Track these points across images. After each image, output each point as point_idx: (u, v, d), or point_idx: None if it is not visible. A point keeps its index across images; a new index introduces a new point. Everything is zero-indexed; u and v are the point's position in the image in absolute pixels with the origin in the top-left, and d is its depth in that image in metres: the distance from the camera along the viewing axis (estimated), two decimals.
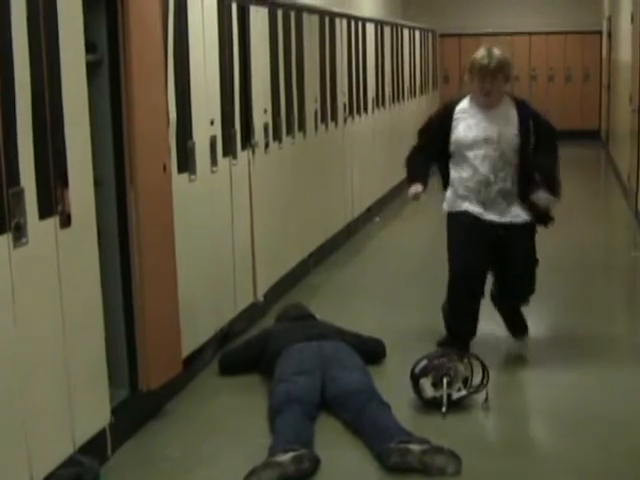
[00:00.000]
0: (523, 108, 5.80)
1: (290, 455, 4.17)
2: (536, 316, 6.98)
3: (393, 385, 5.12)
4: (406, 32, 13.23)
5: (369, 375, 5.07)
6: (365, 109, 10.54)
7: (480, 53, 5.55)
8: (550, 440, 4.71)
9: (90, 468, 4.03)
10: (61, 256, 3.93)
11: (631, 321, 6.92)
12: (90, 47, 4.33)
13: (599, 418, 4.88)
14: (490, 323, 6.21)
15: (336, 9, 9.26)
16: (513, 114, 5.71)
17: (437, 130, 5.77)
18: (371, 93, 10.84)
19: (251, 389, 5.35)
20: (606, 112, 17.55)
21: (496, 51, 5.55)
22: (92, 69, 4.38)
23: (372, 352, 5.63)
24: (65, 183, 3.92)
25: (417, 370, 4.93)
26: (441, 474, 4.17)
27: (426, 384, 4.89)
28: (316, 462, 4.26)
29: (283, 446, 4.26)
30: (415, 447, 4.21)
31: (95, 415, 4.32)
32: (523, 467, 4.34)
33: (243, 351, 5.69)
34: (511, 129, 5.65)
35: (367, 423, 4.59)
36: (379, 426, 4.53)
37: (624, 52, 13.31)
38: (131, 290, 4.68)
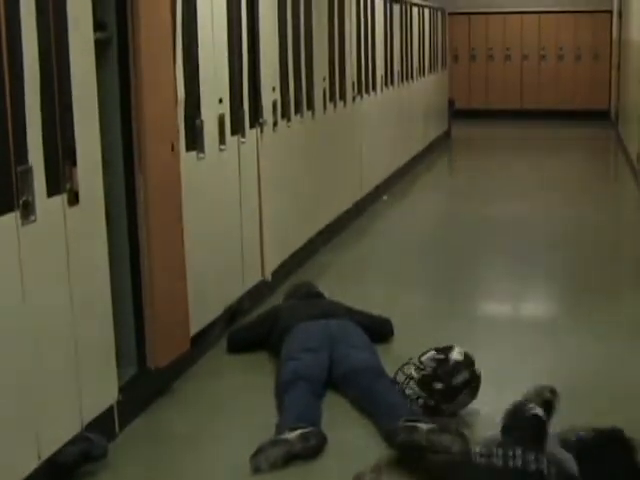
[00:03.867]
0: None
1: (297, 433, 4.19)
2: (539, 295, 7.02)
3: (400, 364, 5.11)
4: (415, 10, 13.18)
5: (376, 354, 5.08)
6: (374, 88, 10.51)
7: None
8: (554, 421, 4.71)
9: (98, 445, 4.05)
10: (69, 234, 3.93)
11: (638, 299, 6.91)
12: (99, 25, 4.32)
13: (598, 389, 4.90)
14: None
15: None
16: None
17: None
18: (380, 72, 10.81)
19: (259, 367, 5.36)
20: (616, 92, 17.50)
21: None
22: (101, 47, 4.38)
23: (380, 331, 5.63)
24: (73, 161, 3.92)
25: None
26: (447, 452, 4.18)
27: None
28: (323, 440, 4.28)
29: (290, 424, 4.28)
30: (422, 426, 4.21)
31: (103, 392, 4.34)
32: None
33: (251, 329, 5.70)
34: None
35: (375, 401, 4.60)
36: (387, 404, 4.54)
37: (635, 31, 13.25)
38: (139, 268, 4.69)
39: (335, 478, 4.11)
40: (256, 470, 4.10)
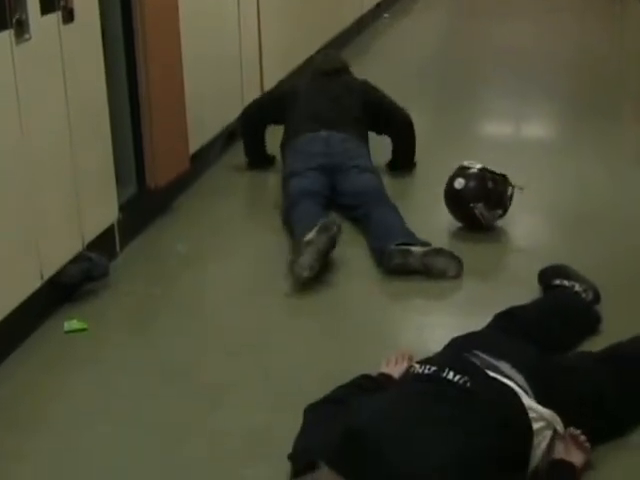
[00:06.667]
0: None
1: (315, 229, 4.16)
2: (542, 116, 6.98)
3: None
4: None
5: (379, 175, 5.02)
6: None
7: None
8: (551, 243, 4.73)
9: (99, 264, 4.09)
10: (65, 52, 3.86)
11: None
12: None
13: (602, 217, 4.92)
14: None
15: None
16: None
17: None
18: None
19: (260, 186, 5.39)
20: None
21: None
22: None
23: (394, 121, 5.47)
24: None
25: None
26: (442, 276, 4.21)
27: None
28: (339, 225, 4.27)
29: (304, 230, 4.26)
30: (417, 249, 4.23)
31: (103, 212, 4.35)
32: (524, 264, 4.37)
33: (264, 109, 5.61)
34: None
35: (374, 223, 4.58)
36: (384, 226, 4.52)
37: None
38: (137, 88, 4.63)
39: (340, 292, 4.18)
40: (300, 281, 4.11)
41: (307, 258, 4.10)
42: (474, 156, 4.97)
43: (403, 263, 4.22)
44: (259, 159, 5.66)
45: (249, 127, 5.63)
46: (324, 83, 5.51)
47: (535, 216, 5.04)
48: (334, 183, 4.92)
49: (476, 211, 4.59)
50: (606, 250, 4.50)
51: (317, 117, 5.23)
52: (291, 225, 4.58)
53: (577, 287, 3.81)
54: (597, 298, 3.81)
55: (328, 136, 5.13)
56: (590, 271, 3.94)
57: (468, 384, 2.74)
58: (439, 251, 4.24)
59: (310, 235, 4.14)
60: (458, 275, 4.23)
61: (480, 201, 4.58)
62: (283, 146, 5.31)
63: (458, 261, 4.24)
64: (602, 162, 5.70)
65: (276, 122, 5.50)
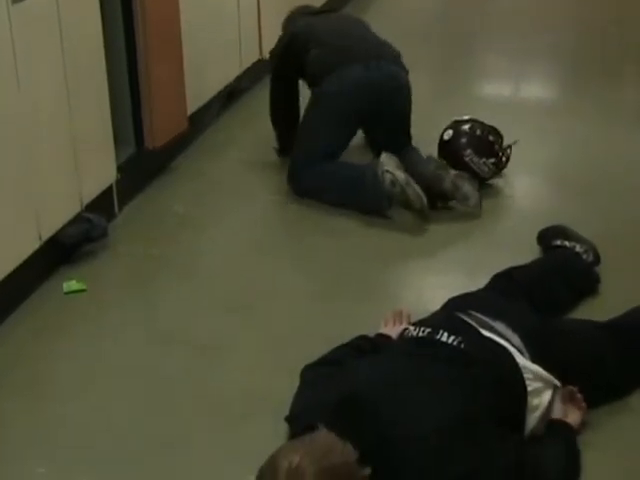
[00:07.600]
0: None
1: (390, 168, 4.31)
2: (543, 76, 6.95)
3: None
4: None
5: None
6: None
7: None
8: (552, 205, 4.70)
9: (98, 225, 4.09)
10: (61, 11, 3.83)
11: None
12: None
13: (603, 179, 4.91)
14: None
15: None
16: None
17: None
18: None
19: (258, 147, 5.35)
20: None
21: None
22: None
23: None
24: None
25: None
26: (464, 200, 4.37)
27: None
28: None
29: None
30: (452, 170, 4.42)
31: (101, 173, 4.34)
32: (524, 225, 4.35)
33: (280, 74, 5.08)
34: None
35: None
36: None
37: None
38: (135, 48, 4.60)
39: (339, 253, 4.19)
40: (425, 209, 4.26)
41: (413, 188, 4.24)
42: (473, 115, 4.95)
43: (437, 173, 4.36)
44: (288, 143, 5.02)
45: (275, 106, 5.11)
46: (328, 19, 5.10)
47: (535, 177, 5.04)
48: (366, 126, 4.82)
49: (466, 158, 4.65)
50: (606, 212, 4.50)
51: (357, 50, 4.77)
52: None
53: (577, 248, 3.81)
54: (597, 259, 3.82)
55: (375, 74, 4.68)
56: (589, 232, 3.94)
57: (462, 345, 2.75)
58: (470, 179, 4.39)
59: (391, 175, 4.27)
60: (476, 207, 4.37)
61: (468, 147, 4.66)
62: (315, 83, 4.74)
63: (479, 201, 4.37)
64: (603, 122, 5.67)
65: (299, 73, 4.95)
